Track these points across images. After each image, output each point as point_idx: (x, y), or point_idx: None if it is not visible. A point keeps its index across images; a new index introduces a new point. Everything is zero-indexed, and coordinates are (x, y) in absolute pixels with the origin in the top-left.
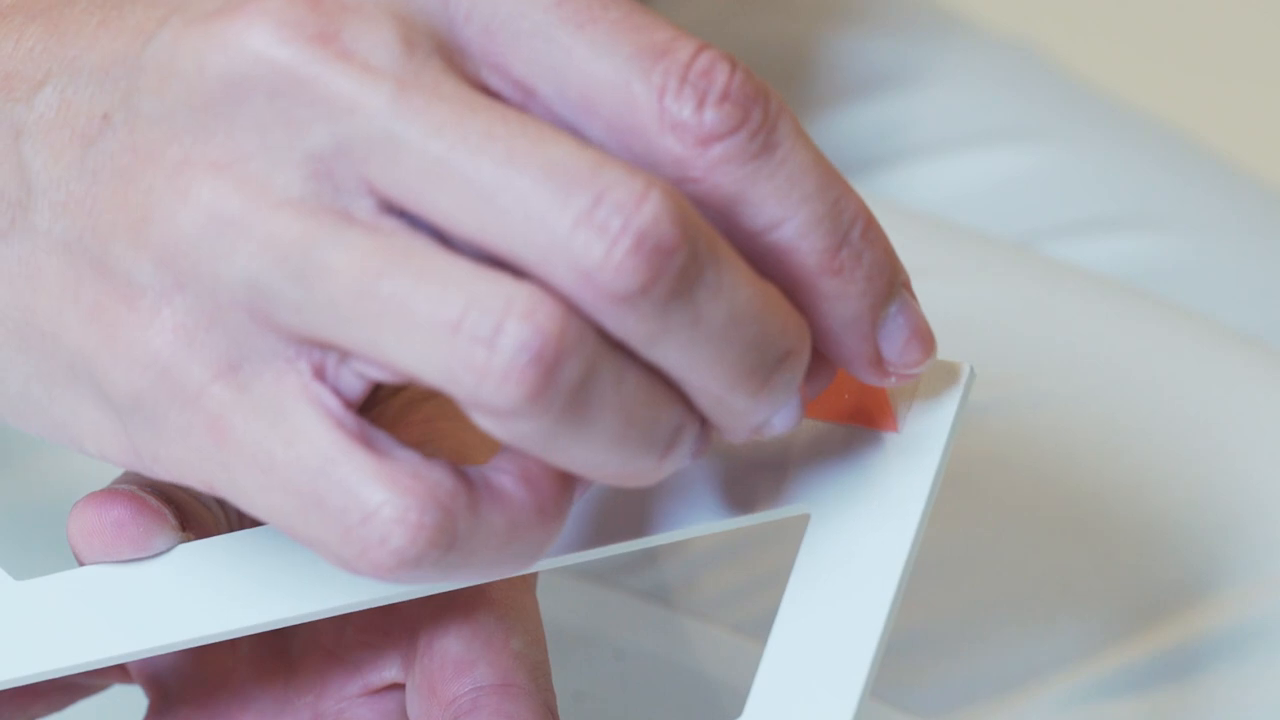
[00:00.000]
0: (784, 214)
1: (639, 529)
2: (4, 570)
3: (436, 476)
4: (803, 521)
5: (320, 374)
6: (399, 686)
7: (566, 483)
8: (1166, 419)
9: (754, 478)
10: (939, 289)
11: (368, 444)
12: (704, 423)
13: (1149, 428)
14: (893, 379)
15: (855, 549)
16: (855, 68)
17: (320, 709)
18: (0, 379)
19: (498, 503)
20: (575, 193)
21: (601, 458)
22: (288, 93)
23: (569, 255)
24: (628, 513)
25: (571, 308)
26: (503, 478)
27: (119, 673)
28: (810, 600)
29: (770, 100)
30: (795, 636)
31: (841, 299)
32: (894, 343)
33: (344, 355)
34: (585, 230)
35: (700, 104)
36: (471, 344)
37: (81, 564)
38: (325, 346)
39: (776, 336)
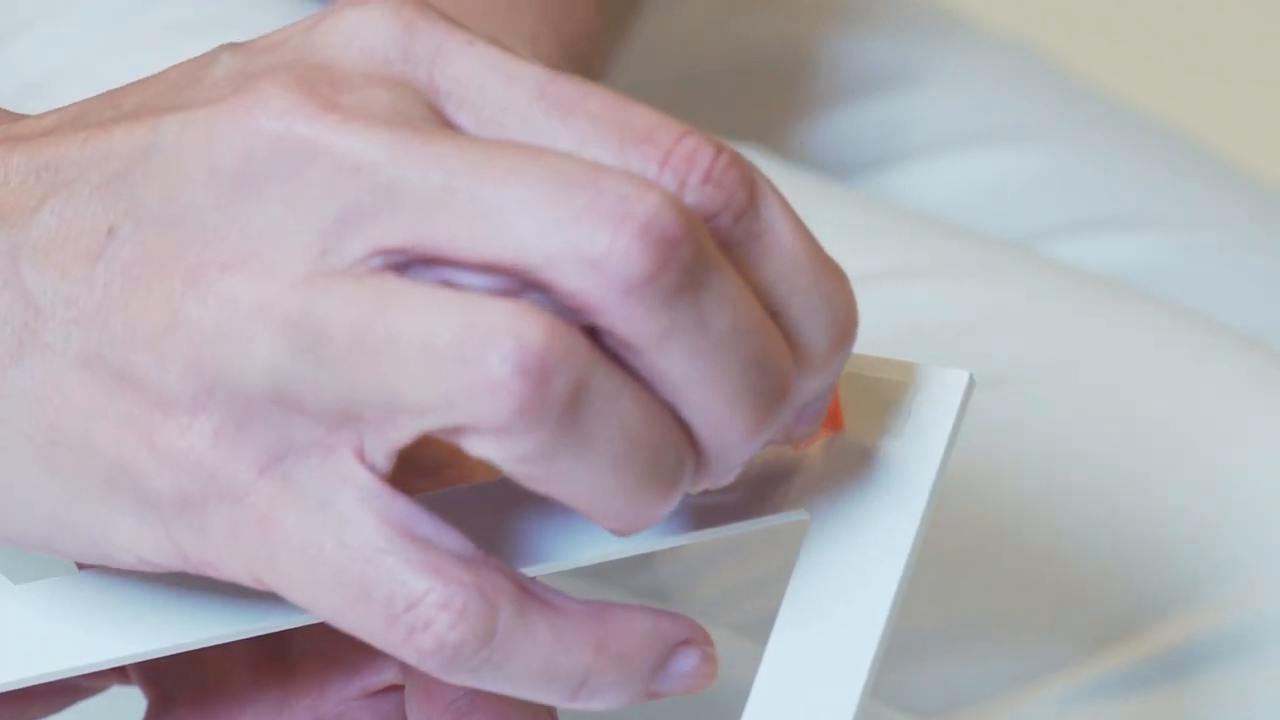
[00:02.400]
0: (780, 303)
1: (639, 535)
2: (3, 574)
3: (487, 572)
4: (802, 524)
5: (360, 455)
6: (398, 688)
7: (632, 628)
8: (1166, 418)
9: (752, 483)
10: (939, 289)
11: (416, 531)
12: (697, 458)
13: (1149, 427)
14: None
15: (855, 554)
16: (855, 68)
17: (319, 711)
18: (27, 505)
19: (547, 612)
20: (578, 190)
21: (606, 483)
22: (297, 170)
23: (575, 247)
24: None
25: (562, 321)
26: (566, 600)
27: (118, 674)
28: (810, 605)
29: (756, 182)
30: (795, 640)
31: (820, 386)
32: (811, 421)
33: (374, 426)
34: (590, 220)
35: (682, 187)
36: (462, 366)
37: (80, 568)
38: (356, 420)
39: (778, 361)
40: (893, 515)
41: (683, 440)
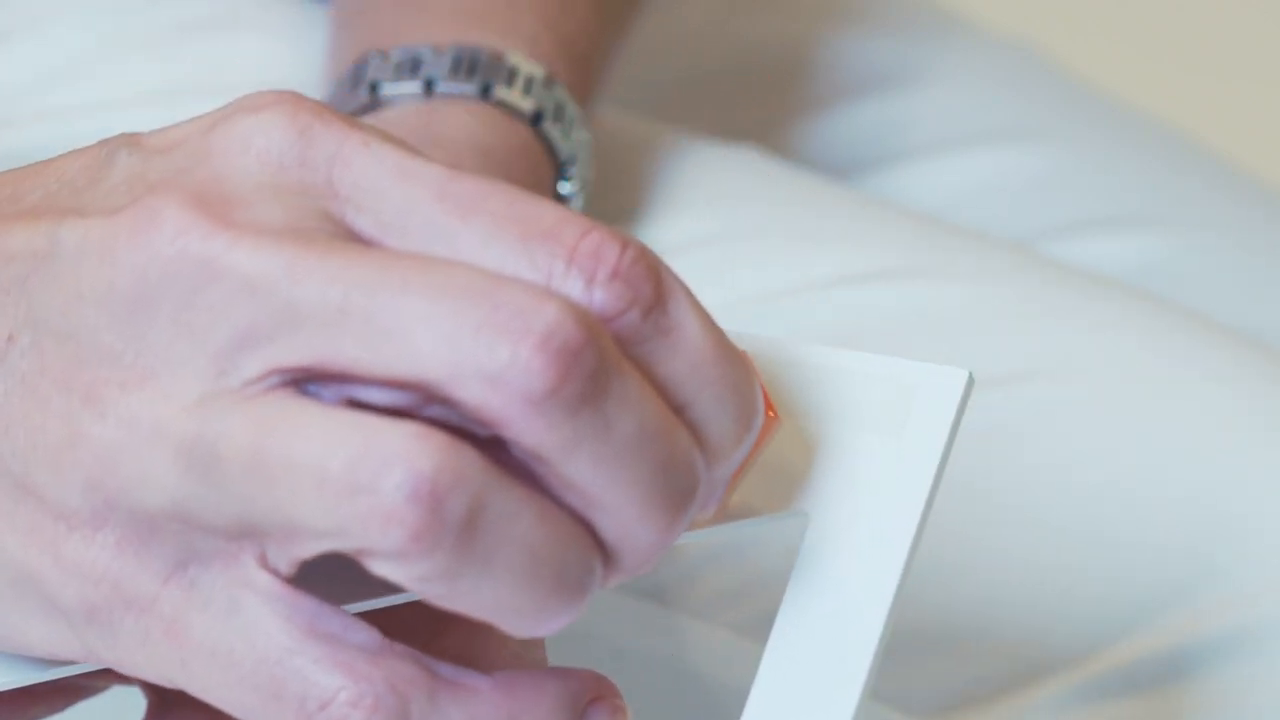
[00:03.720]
0: (688, 397)
1: None
2: None
3: (394, 663)
4: (801, 523)
5: (263, 562)
6: None
7: (542, 697)
8: (1166, 418)
9: (752, 478)
10: (939, 289)
11: (323, 629)
12: (608, 559)
13: (1148, 427)
14: None
15: (854, 552)
16: (855, 68)
17: None
18: None
19: (458, 695)
20: (475, 304)
21: (513, 599)
22: (192, 291)
23: (476, 363)
24: None
25: (457, 442)
26: (476, 678)
27: (118, 675)
28: (809, 603)
29: (663, 276)
30: (794, 639)
31: (727, 472)
32: (713, 502)
33: (275, 541)
34: (489, 335)
35: (589, 284)
36: (355, 495)
37: None
38: (257, 534)
39: (686, 460)
40: (892, 514)
41: (590, 546)
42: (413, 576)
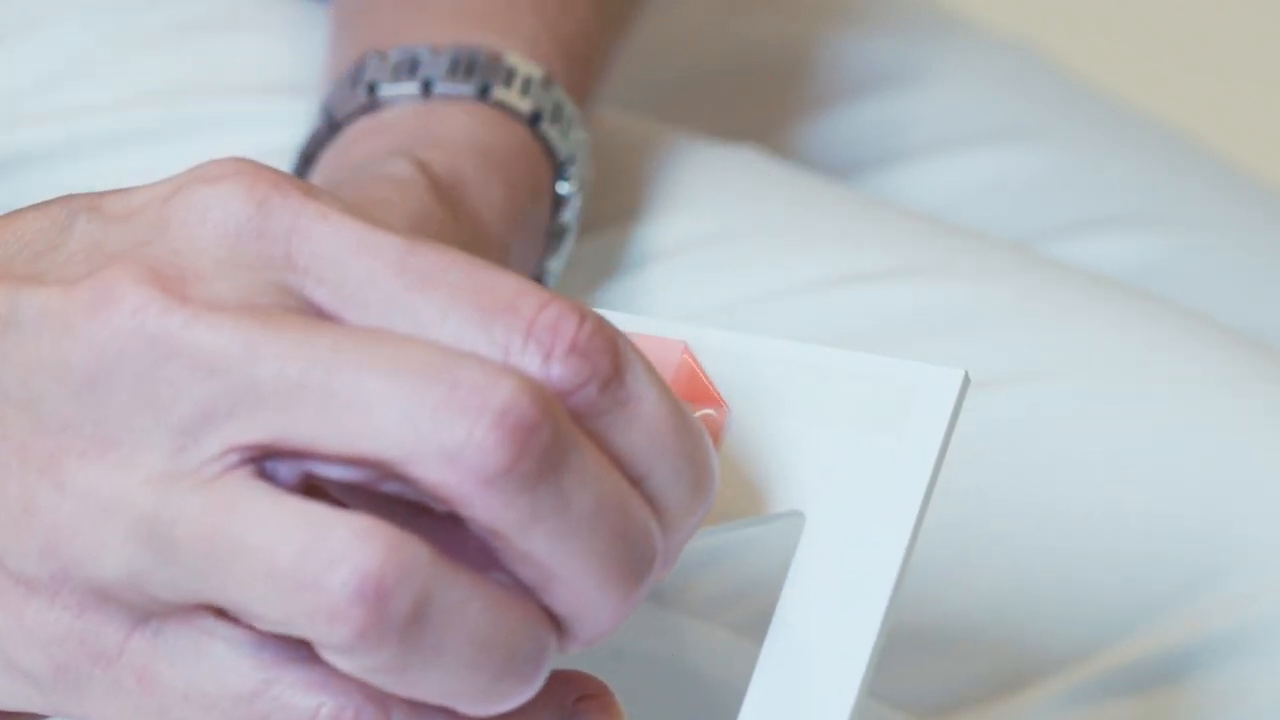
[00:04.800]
0: (645, 470)
1: None
2: None
3: None
4: (798, 522)
5: (223, 617)
6: None
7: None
8: (1165, 418)
9: (748, 478)
10: (939, 289)
11: (294, 656)
12: (559, 632)
13: (1148, 427)
14: None
15: (851, 550)
16: (855, 68)
17: None
18: None
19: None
20: (431, 382)
21: (463, 686)
22: (151, 368)
23: (432, 442)
24: None
25: (404, 536)
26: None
27: None
28: (806, 601)
29: (621, 348)
30: (791, 637)
31: (683, 540)
32: (668, 568)
33: (232, 612)
34: (445, 413)
35: (547, 358)
36: (301, 591)
37: None
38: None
39: (643, 532)
40: (889, 512)
41: (543, 623)
42: (360, 669)
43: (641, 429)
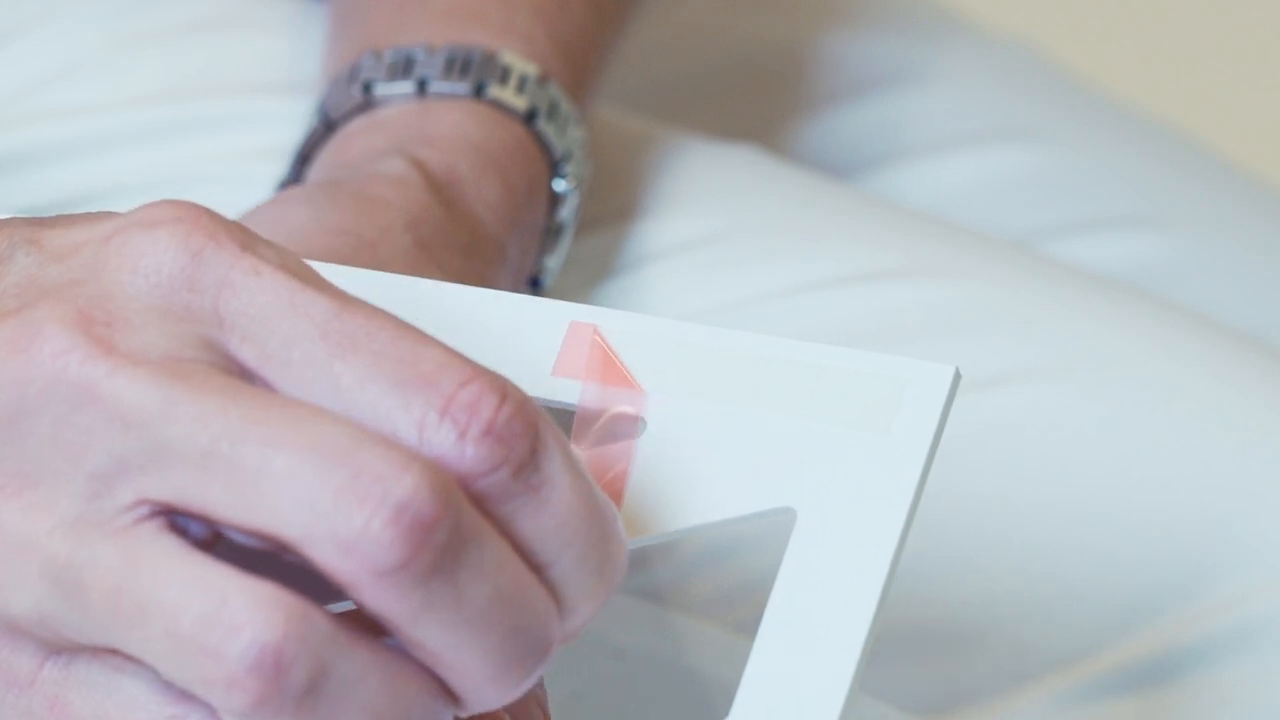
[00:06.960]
0: (551, 556)
1: (628, 530)
2: None
3: None
4: (789, 518)
5: (132, 659)
6: None
7: None
8: (1164, 418)
9: (740, 474)
10: (939, 288)
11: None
12: (460, 704)
13: (1147, 427)
14: None
15: (842, 547)
16: (855, 68)
17: None
18: None
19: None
20: (335, 466)
21: None
22: (70, 412)
23: (330, 528)
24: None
25: (304, 606)
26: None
27: None
28: (797, 598)
29: (539, 431)
30: (782, 634)
31: (587, 619)
32: (568, 641)
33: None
34: (345, 502)
35: (461, 437)
36: (201, 656)
37: None
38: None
39: (540, 623)
40: (879, 508)
41: (440, 697)
42: None
43: (551, 516)
